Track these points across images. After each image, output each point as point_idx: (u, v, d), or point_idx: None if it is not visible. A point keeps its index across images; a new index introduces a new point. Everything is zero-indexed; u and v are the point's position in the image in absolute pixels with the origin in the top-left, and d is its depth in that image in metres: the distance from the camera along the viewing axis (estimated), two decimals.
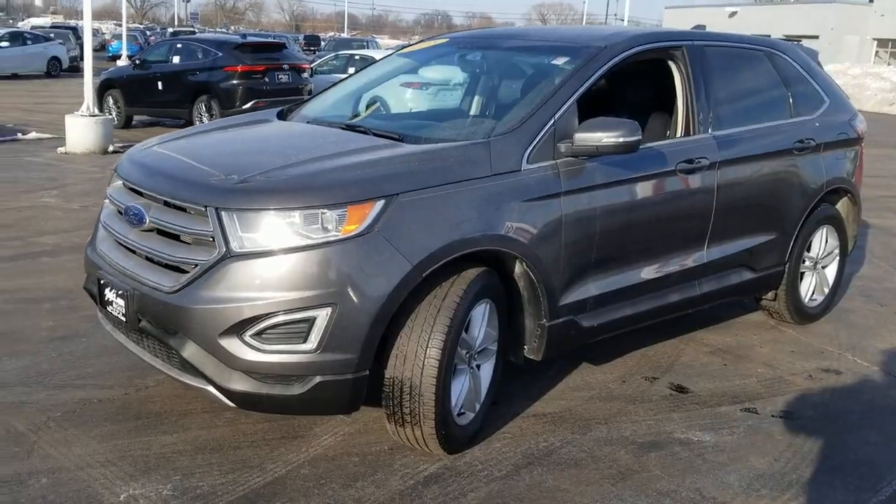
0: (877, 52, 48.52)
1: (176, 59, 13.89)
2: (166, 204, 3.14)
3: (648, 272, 3.92)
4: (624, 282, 3.79)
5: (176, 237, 3.09)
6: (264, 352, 2.87)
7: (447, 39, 4.84)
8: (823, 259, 5.13)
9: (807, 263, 5.02)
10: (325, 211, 2.90)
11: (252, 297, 2.85)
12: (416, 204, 3.02)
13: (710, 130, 4.18)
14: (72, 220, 6.95)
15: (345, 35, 52.29)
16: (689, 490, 3.11)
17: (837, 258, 5.22)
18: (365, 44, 31.44)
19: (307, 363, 2.88)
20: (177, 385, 3.18)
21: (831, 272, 5.23)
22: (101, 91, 14.05)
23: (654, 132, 4.39)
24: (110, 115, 13.28)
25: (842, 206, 5.21)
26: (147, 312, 3.09)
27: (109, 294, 3.27)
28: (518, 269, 3.39)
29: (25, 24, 41.85)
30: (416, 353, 3.01)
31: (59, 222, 6.91)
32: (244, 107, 12.59)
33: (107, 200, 3.57)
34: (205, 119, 12.85)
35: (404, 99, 4.97)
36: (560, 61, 3.90)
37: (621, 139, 3.39)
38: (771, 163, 4.51)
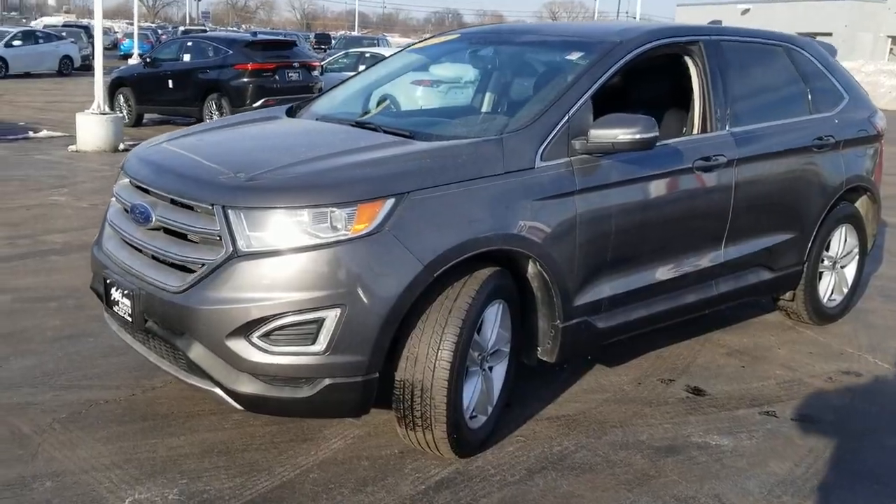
0: (891, 49, 48.08)
1: (186, 58, 13.88)
2: (173, 202, 3.08)
3: (664, 272, 3.83)
4: (639, 282, 3.70)
5: (183, 236, 3.03)
6: (272, 353, 2.81)
7: (458, 35, 4.77)
8: (842, 258, 5.03)
9: (825, 263, 4.92)
10: (334, 209, 2.83)
11: (260, 297, 2.79)
12: (427, 202, 2.95)
13: (727, 127, 4.09)
14: (81, 219, 6.92)
15: (355, 33, 52.25)
16: (708, 496, 3.02)
17: (857, 257, 5.12)
18: (376, 42, 31.40)
19: (316, 365, 2.82)
20: (184, 386, 3.13)
21: (850, 272, 5.13)
22: (112, 89, 14.06)
23: (670, 129, 4.30)
24: (121, 113, 13.28)
25: (861, 204, 5.11)
26: (153, 313, 3.03)
27: (115, 294, 3.21)
28: (531, 269, 3.31)
29: (38, 24, 42.03)
30: (428, 355, 2.94)
31: (68, 220, 6.89)
32: (254, 105, 12.56)
33: (113, 198, 3.52)
34: (215, 117, 12.82)
35: (415, 96, 4.90)
36: (574, 56, 3.82)
37: (638, 136, 3.32)
38: (789, 160, 4.42)
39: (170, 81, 13.62)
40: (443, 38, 4.82)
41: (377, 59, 9.88)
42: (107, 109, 11.50)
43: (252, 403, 2.92)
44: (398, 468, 3.11)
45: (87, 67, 27.48)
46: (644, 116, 3.39)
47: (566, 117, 3.38)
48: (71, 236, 6.32)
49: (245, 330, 2.79)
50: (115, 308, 3.23)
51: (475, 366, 3.19)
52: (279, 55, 13.68)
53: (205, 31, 37.02)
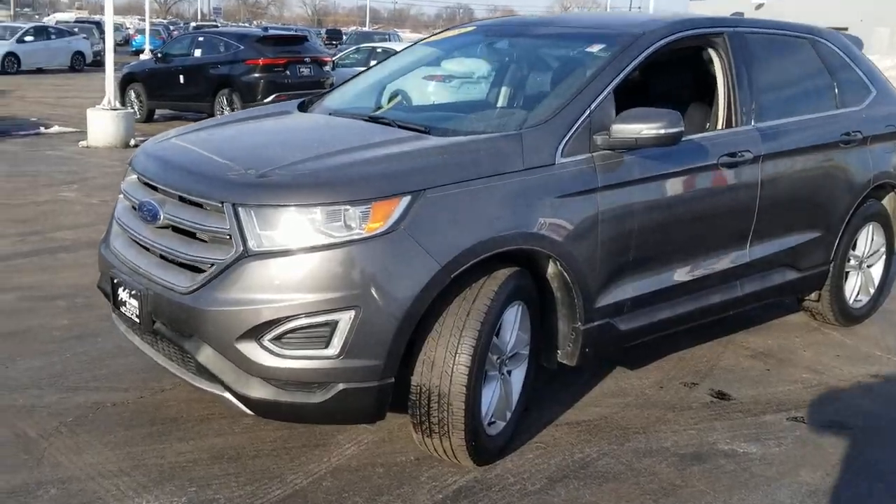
0: None
1: (197, 53, 13.82)
2: (181, 199, 2.98)
3: (688, 272, 3.70)
4: (663, 282, 3.58)
5: (192, 235, 2.93)
6: (284, 357, 2.70)
7: (474, 27, 4.64)
8: (869, 258, 4.89)
9: (852, 262, 4.78)
10: (347, 207, 2.72)
11: (271, 298, 2.68)
12: (444, 200, 2.84)
13: (752, 122, 3.95)
14: (91, 215, 6.85)
15: (366, 29, 52.16)
16: None
17: (884, 256, 4.97)
18: (387, 37, 31.29)
19: (329, 370, 2.71)
20: (193, 389, 3.03)
21: (877, 271, 4.98)
22: (123, 85, 14.03)
23: (693, 124, 4.16)
24: (132, 108, 13.23)
25: (889, 202, 4.96)
26: (161, 314, 2.93)
27: (123, 294, 3.12)
28: (552, 269, 3.19)
29: (50, 20, 42.12)
30: (445, 359, 2.83)
31: (78, 217, 6.81)
32: (266, 100, 12.47)
33: (121, 195, 3.42)
34: (226, 112, 12.74)
35: (429, 91, 4.78)
36: (595, 48, 3.69)
37: (662, 131, 3.19)
38: (816, 156, 4.28)
39: (181, 77, 13.56)
40: (458, 31, 4.69)
41: (389, 54, 9.79)
42: (118, 105, 11.45)
43: (263, 409, 2.82)
44: (414, 476, 3.00)
45: (98, 63, 27.48)
46: (669, 111, 3.27)
47: (587, 112, 3.26)
48: (80, 233, 6.24)
49: (256, 332, 2.69)
50: (123, 309, 3.13)
51: (494, 370, 3.08)
52: (290, 50, 13.60)
53: (216, 27, 37.04)
